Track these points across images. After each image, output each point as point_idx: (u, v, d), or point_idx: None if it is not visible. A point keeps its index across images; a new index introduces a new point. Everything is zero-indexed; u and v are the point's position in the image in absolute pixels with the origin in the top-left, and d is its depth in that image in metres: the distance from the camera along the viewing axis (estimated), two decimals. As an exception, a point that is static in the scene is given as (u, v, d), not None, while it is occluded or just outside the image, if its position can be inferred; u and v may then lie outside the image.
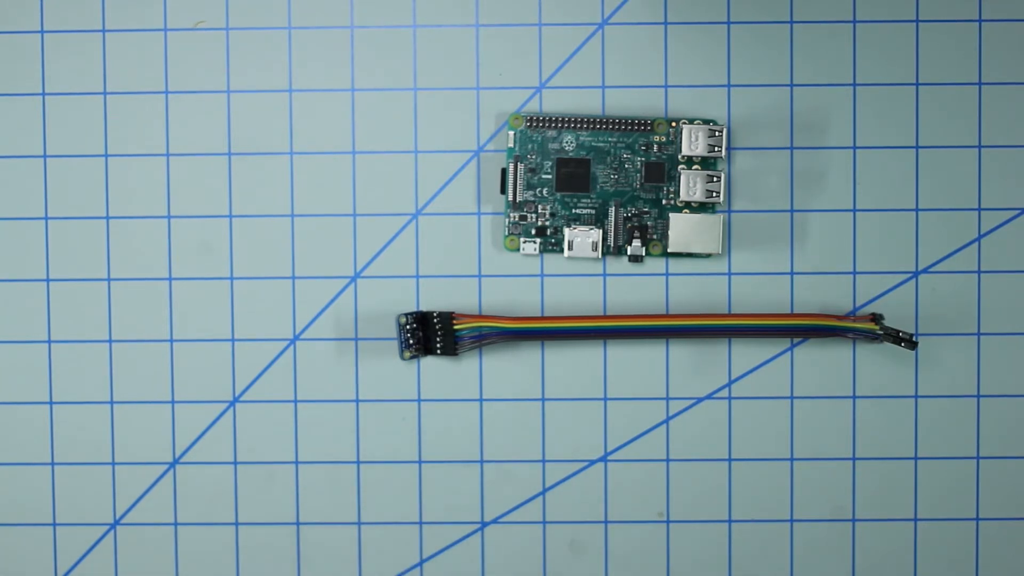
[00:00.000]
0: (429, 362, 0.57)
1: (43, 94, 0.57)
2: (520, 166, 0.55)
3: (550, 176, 0.56)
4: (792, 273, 0.56)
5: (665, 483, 0.57)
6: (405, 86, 0.56)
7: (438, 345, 0.55)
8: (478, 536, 0.57)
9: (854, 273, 0.56)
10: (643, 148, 0.55)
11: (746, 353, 0.56)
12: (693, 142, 0.54)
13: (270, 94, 0.56)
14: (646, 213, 0.56)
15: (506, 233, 0.56)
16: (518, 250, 0.56)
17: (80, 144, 0.57)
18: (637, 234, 0.56)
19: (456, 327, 0.55)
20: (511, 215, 0.56)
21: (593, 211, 0.56)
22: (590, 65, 0.56)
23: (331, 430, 0.57)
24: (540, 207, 0.56)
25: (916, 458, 0.56)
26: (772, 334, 0.55)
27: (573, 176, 0.56)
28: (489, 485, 0.57)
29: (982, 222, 0.56)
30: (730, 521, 0.57)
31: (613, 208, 0.55)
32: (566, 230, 0.55)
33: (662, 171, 0.55)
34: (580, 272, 0.56)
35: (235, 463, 0.57)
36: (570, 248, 0.55)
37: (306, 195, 0.56)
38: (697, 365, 0.56)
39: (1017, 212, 0.56)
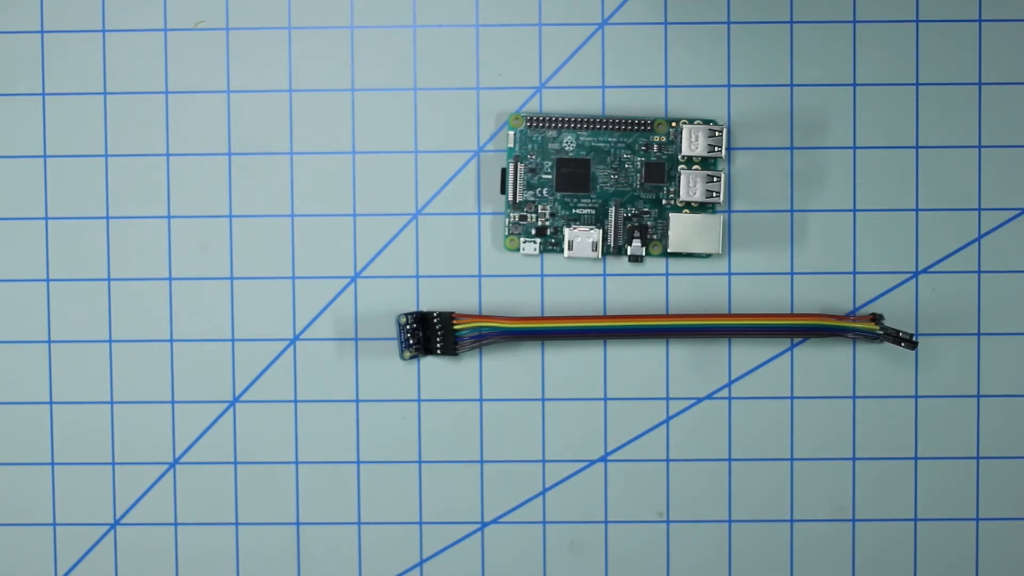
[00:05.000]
0: (429, 362, 0.57)
1: (43, 94, 0.57)
2: (520, 166, 0.55)
3: (550, 176, 0.56)
4: (792, 273, 0.56)
5: (665, 483, 0.57)
6: (405, 86, 0.56)
7: (438, 345, 0.55)
8: (478, 536, 0.57)
9: (854, 273, 0.56)
10: (643, 148, 0.55)
11: (746, 353, 0.56)
12: (693, 142, 0.54)
13: (270, 94, 0.56)
14: (646, 213, 0.56)
15: (506, 233, 0.56)
16: (518, 250, 0.56)
17: (80, 144, 0.57)
18: (637, 234, 0.56)
19: (456, 327, 0.55)
20: (511, 215, 0.56)
21: (593, 211, 0.56)
22: (590, 65, 0.56)
23: (331, 430, 0.57)
24: (540, 207, 0.56)
25: (916, 458, 0.56)
26: (772, 334, 0.55)
27: (573, 176, 0.56)
28: (489, 485, 0.57)
29: (982, 222, 0.56)
30: (730, 521, 0.57)
31: (613, 208, 0.55)
32: (566, 230, 0.55)
33: (662, 171, 0.55)
34: (580, 272, 0.56)
35: (235, 463, 0.57)
36: (570, 248, 0.55)
37: (306, 195, 0.56)
38: (697, 365, 0.56)
39: (1017, 212, 0.56)
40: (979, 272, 0.56)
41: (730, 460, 0.57)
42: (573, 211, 0.56)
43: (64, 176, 0.57)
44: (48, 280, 0.57)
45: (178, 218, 0.57)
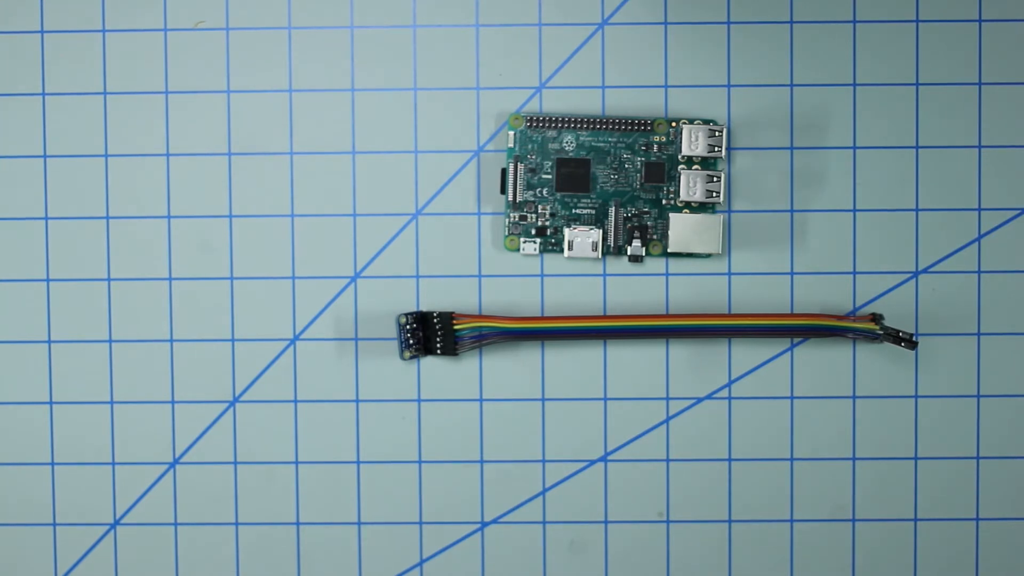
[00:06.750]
0: (429, 362, 0.57)
1: (43, 94, 0.57)
2: (520, 166, 0.55)
3: (550, 176, 0.56)
4: (792, 273, 0.56)
5: (665, 483, 0.57)
6: (405, 86, 0.56)
7: (438, 345, 0.55)
8: (478, 536, 0.57)
9: (854, 273, 0.56)
10: (643, 148, 0.55)
11: (746, 353, 0.56)
12: (693, 142, 0.54)
13: (270, 94, 0.56)
14: (646, 213, 0.56)
15: (506, 233, 0.56)
16: (518, 250, 0.56)
17: (80, 144, 0.57)
18: (637, 234, 0.56)
19: (456, 327, 0.55)
20: (511, 215, 0.56)
21: (593, 211, 0.56)
22: (590, 65, 0.56)
23: (331, 430, 0.57)
24: (540, 207, 0.56)
25: (916, 458, 0.56)
26: (772, 334, 0.55)
27: (573, 176, 0.56)
28: (489, 485, 0.57)
29: (982, 222, 0.56)
30: (730, 521, 0.57)
31: (613, 208, 0.55)
32: (566, 230, 0.55)
33: (662, 171, 0.55)
34: (580, 272, 0.56)
35: (235, 463, 0.57)
36: (570, 248, 0.55)
37: (306, 195, 0.56)
38: (697, 365, 0.56)
39: (1017, 212, 0.56)
40: (979, 272, 0.56)
41: (730, 460, 0.57)
42: (573, 211, 0.56)
43: (64, 176, 0.57)
44: (48, 280, 0.57)
45: (178, 218, 0.57)
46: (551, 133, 0.55)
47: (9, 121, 0.57)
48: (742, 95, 0.56)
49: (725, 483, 0.57)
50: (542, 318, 0.56)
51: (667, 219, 0.55)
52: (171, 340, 0.57)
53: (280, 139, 0.56)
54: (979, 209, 0.56)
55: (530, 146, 0.56)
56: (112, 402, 0.57)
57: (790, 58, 0.56)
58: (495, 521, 0.57)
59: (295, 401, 0.57)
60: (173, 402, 0.57)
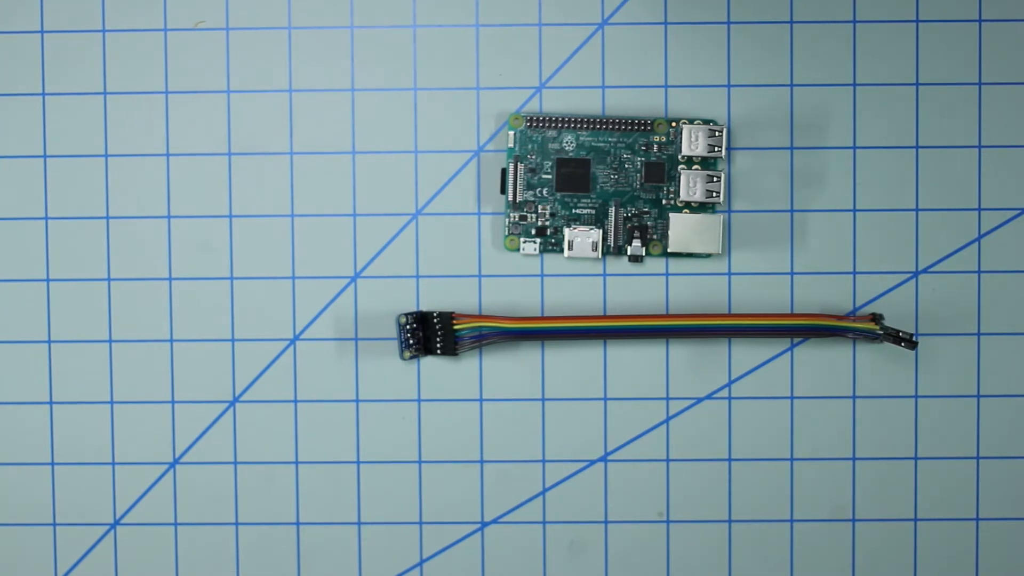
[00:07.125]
0: (429, 362, 0.57)
1: (43, 94, 0.57)
2: (520, 166, 0.55)
3: (550, 176, 0.56)
4: (792, 273, 0.56)
5: (665, 483, 0.57)
6: (405, 86, 0.56)
7: (438, 345, 0.55)
8: (478, 536, 0.57)
9: (854, 273, 0.56)
10: (643, 148, 0.55)
11: (746, 353, 0.56)
12: (693, 142, 0.54)
13: (270, 94, 0.56)
14: (646, 213, 0.56)
15: (506, 233, 0.56)
16: (518, 250, 0.56)
17: (80, 144, 0.57)
18: (637, 234, 0.56)
19: (456, 327, 0.55)
20: (511, 215, 0.56)
21: (593, 211, 0.56)
22: (590, 65, 0.56)
23: (331, 430, 0.57)
24: (540, 207, 0.56)
25: (916, 458, 0.56)
26: (772, 334, 0.55)
27: (573, 176, 0.56)
28: (489, 485, 0.57)
29: (982, 222, 0.56)
30: (730, 521, 0.57)
31: (613, 208, 0.55)
32: (566, 230, 0.55)
33: (662, 171, 0.55)
34: (580, 272, 0.56)
35: (235, 463, 0.57)
36: (570, 248, 0.55)
37: (306, 195, 0.56)
38: (697, 365, 0.56)
39: (1017, 212, 0.56)
40: (979, 272, 0.56)
41: (730, 460, 0.57)
42: (573, 211, 0.56)
43: (64, 176, 0.57)
44: (48, 280, 0.57)
45: (178, 218, 0.57)
46: (551, 133, 0.55)
47: (9, 121, 0.57)
48: (742, 95, 0.56)
49: (725, 483, 0.57)
50: (542, 318, 0.56)
51: (667, 219, 0.55)
52: (171, 340, 0.57)
53: (280, 139, 0.56)
54: (979, 209, 0.56)
55: (530, 146, 0.56)
56: (112, 402, 0.57)
57: (790, 58, 0.56)
58: (495, 521, 0.57)
59: (295, 401, 0.57)
60: (173, 402, 0.57)
